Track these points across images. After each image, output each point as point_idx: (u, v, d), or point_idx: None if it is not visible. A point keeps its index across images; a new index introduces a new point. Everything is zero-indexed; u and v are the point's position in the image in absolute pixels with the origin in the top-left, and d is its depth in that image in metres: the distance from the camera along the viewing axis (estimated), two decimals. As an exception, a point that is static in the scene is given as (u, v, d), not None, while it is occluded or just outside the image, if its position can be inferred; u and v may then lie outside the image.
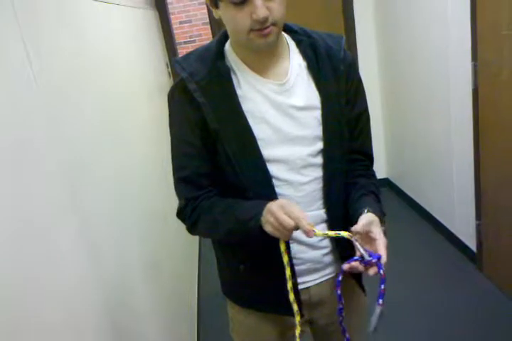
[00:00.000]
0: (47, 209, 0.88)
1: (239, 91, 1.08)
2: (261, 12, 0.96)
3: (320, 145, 1.13)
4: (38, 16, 1.04)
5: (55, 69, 1.07)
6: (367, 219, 1.00)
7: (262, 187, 1.10)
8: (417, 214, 3.56)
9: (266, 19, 0.97)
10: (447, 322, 2.38)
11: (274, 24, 1.00)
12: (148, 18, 3.23)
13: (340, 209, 1.17)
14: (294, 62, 1.13)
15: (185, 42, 6.47)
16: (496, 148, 2.39)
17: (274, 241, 1.06)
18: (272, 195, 1.10)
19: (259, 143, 1.08)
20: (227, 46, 1.12)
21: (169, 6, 4.88)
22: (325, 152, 1.13)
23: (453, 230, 3.05)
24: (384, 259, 0.98)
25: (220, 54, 1.10)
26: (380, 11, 3.63)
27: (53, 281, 0.85)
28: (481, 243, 2.70)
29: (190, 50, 1.15)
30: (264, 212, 0.99)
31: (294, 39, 1.16)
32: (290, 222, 0.95)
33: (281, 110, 1.10)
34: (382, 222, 1.04)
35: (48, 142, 0.94)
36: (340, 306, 1.09)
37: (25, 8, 0.95)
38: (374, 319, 0.97)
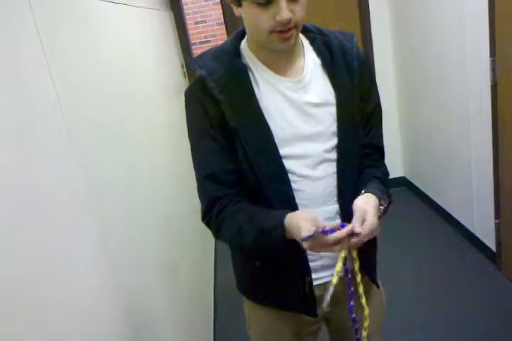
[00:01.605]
0: (64, 215, 0.89)
1: (256, 89, 1.10)
2: (285, 14, 0.97)
3: (335, 141, 1.14)
4: (56, 18, 1.06)
5: (72, 71, 1.08)
6: (359, 209, 1.02)
7: (279, 183, 1.11)
8: (434, 212, 3.53)
9: (289, 21, 0.98)
10: (467, 323, 2.35)
11: (295, 27, 1.02)
12: (164, 19, 3.25)
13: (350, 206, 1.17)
14: (309, 60, 1.14)
15: (200, 43, 6.49)
16: (515, 145, 2.36)
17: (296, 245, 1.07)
18: (289, 192, 1.11)
19: (276, 140, 1.09)
20: (243, 45, 1.13)
21: (184, 7, 4.90)
22: (339, 148, 1.14)
23: (471, 229, 3.01)
24: (358, 230, 0.99)
25: (237, 52, 1.11)
26: (395, 8, 3.60)
27: (71, 287, 0.86)
28: (500, 242, 2.67)
29: (205, 50, 1.15)
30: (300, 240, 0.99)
31: (307, 37, 1.17)
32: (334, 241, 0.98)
33: (298, 107, 1.11)
34: (384, 200, 1.07)
35: (67, 144, 0.95)
36: (352, 303, 1.10)
37: (43, 14, 0.97)
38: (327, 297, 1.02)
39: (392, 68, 3.85)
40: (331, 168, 1.15)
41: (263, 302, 1.28)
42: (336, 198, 1.16)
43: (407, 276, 2.80)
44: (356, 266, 1.07)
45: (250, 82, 1.09)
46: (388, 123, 4.08)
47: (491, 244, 2.77)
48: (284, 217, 1.02)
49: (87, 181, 1.02)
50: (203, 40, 6.53)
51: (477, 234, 2.95)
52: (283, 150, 1.10)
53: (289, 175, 1.11)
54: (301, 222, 0.98)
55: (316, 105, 1.12)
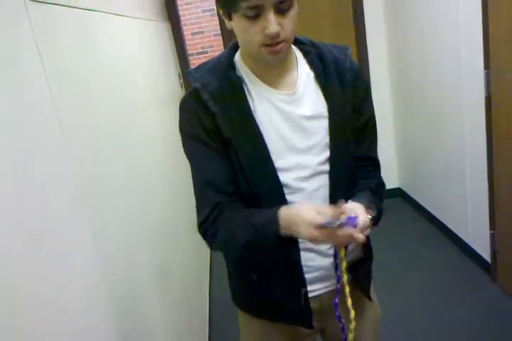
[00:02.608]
0: (57, 220, 0.89)
1: (250, 101, 1.10)
2: (273, 27, 0.98)
3: (327, 153, 1.15)
4: (54, 29, 1.06)
5: (70, 81, 1.09)
6: (348, 209, 0.99)
7: (273, 195, 1.11)
8: (429, 223, 3.53)
9: (277, 35, 0.99)
10: (460, 334, 2.34)
11: (284, 41, 1.02)
12: (161, 30, 3.27)
13: None
14: (302, 72, 1.15)
15: (197, 54, 6.53)
16: (510, 156, 2.37)
17: (289, 250, 1.08)
18: (283, 203, 1.10)
19: (270, 152, 1.09)
20: (237, 57, 1.14)
21: (181, 18, 4.94)
22: (331, 160, 1.15)
23: (466, 240, 3.01)
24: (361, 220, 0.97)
25: (231, 65, 1.12)
26: (391, 21, 3.64)
27: (64, 292, 0.85)
28: (495, 253, 2.67)
29: (202, 60, 1.17)
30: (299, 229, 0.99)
31: (301, 50, 1.18)
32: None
33: (291, 120, 1.11)
34: (371, 209, 1.05)
35: (61, 152, 0.95)
36: (338, 314, 1.11)
37: (43, 25, 0.98)
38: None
39: (387, 80, 3.88)
40: (324, 180, 1.15)
41: (258, 315, 1.27)
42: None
43: (401, 287, 2.80)
44: (344, 265, 1.07)
45: (244, 94, 1.10)
46: (384, 134, 4.08)
47: (486, 255, 2.78)
48: (278, 209, 1.02)
49: (84, 184, 1.03)
50: (200, 50, 6.57)
51: (472, 245, 2.95)
52: (277, 163, 1.10)
53: (284, 188, 1.11)
54: (303, 211, 0.98)
55: (309, 118, 1.12)
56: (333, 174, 1.15)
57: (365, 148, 1.24)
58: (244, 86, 1.11)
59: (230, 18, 1.03)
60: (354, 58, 3.82)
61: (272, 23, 0.97)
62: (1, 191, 0.69)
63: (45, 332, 0.75)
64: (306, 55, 1.17)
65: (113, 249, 1.18)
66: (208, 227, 1.12)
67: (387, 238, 3.05)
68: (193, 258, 2.67)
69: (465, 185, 2.88)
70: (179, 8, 4.62)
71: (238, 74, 1.12)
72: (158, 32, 3.11)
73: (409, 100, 3.59)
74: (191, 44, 6.45)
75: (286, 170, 1.11)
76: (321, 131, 1.13)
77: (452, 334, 2.36)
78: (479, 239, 2.83)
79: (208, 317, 2.71)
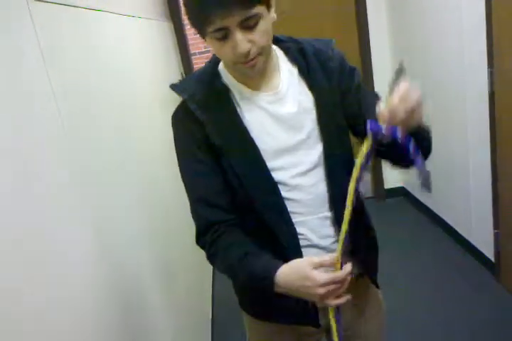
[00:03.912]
0: (58, 219, 0.89)
1: (237, 107, 1.11)
2: (241, 48, 0.97)
3: (320, 146, 1.14)
4: (56, 28, 1.06)
5: (72, 81, 1.09)
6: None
7: (270, 196, 1.11)
8: (433, 222, 3.52)
9: (248, 52, 0.99)
10: (464, 334, 2.34)
11: (259, 54, 1.02)
12: (164, 29, 3.27)
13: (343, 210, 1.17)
14: (284, 71, 1.15)
15: (199, 53, 6.53)
16: (513, 155, 2.36)
17: (293, 255, 1.09)
18: (281, 204, 1.11)
19: (263, 154, 1.10)
20: (221, 66, 1.15)
21: (184, 17, 4.93)
22: (325, 152, 1.14)
23: (470, 239, 3.00)
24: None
25: (216, 73, 1.14)
26: (394, 21, 3.63)
27: (65, 292, 0.85)
28: (499, 252, 2.66)
29: (205, 60, 1.18)
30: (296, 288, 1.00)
31: (281, 48, 1.17)
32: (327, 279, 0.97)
33: (279, 119, 1.12)
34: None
35: (63, 151, 0.95)
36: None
37: (44, 23, 0.98)
38: (422, 180, 0.99)
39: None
40: (320, 174, 1.15)
41: (266, 319, 1.27)
42: (328, 205, 1.16)
43: (405, 286, 2.79)
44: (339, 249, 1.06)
45: (231, 100, 1.11)
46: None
47: (490, 254, 2.77)
48: (275, 271, 1.01)
49: (84, 184, 1.02)
50: (203, 50, 6.56)
51: (476, 244, 2.94)
52: (271, 163, 1.10)
53: (280, 186, 1.12)
54: (304, 273, 0.98)
55: (296, 114, 1.12)
56: (328, 166, 1.14)
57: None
58: (229, 93, 1.12)
59: (203, 39, 1.03)
60: (357, 59, 3.85)
61: (240, 42, 0.97)
62: (1, 190, 0.69)
63: (46, 332, 0.74)
64: (286, 52, 1.17)
65: (114, 249, 1.18)
66: (205, 246, 1.12)
67: (390, 237, 3.04)
68: (195, 256, 2.67)
69: (469, 184, 2.87)
70: (182, 7, 4.61)
71: (223, 81, 1.13)
72: (161, 31, 3.11)
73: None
74: (194, 43, 6.44)
75: (281, 169, 1.12)
76: (309, 124, 1.13)
77: (456, 334, 2.35)
78: (483, 238, 2.82)
79: (210, 316, 2.71)
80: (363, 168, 0.99)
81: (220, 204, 1.11)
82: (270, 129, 1.11)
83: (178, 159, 1.16)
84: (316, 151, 1.14)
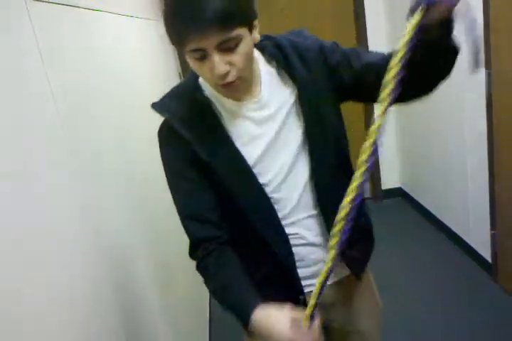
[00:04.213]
0: (58, 219, 0.89)
1: (222, 119, 1.10)
2: (219, 70, 0.95)
3: (301, 132, 1.13)
4: (55, 28, 1.06)
5: (71, 81, 1.09)
6: None
7: (262, 209, 1.11)
8: (430, 223, 3.53)
9: (227, 74, 0.96)
10: (461, 334, 2.34)
11: (238, 78, 0.99)
12: (162, 29, 3.26)
13: (333, 206, 1.17)
14: (264, 75, 1.12)
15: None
16: (511, 156, 2.37)
17: (284, 261, 1.12)
18: (268, 205, 1.11)
19: (250, 162, 1.09)
20: (201, 79, 1.11)
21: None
22: (308, 136, 1.12)
23: (467, 240, 3.01)
24: None
25: (196, 87, 1.11)
26: (392, 21, 3.63)
27: (65, 292, 0.85)
28: (496, 253, 2.67)
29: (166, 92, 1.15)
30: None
31: (257, 48, 1.13)
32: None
33: (265, 124, 1.10)
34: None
35: (62, 151, 0.95)
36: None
37: (44, 23, 0.98)
38: (474, 54, 0.92)
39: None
40: (307, 164, 1.14)
41: None
42: (313, 202, 1.16)
43: (402, 287, 2.80)
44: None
45: (214, 113, 1.09)
46: (385, 134, 4.09)
47: (487, 255, 2.77)
48: (251, 312, 1.02)
49: (84, 184, 1.02)
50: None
51: (473, 245, 2.95)
52: (257, 169, 1.10)
53: (267, 188, 1.11)
54: (277, 328, 0.99)
55: (278, 110, 1.11)
56: (312, 154, 1.13)
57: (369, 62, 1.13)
58: (212, 105, 1.10)
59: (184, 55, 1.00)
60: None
61: (217, 64, 0.94)
62: (1, 190, 0.69)
63: (45, 332, 0.74)
64: (263, 51, 1.13)
65: (114, 248, 1.18)
66: (197, 260, 1.14)
67: (388, 238, 3.05)
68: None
69: (466, 185, 2.88)
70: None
71: (205, 94, 1.10)
72: (159, 31, 3.11)
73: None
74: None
75: (267, 173, 1.12)
76: (295, 119, 1.12)
77: (453, 334, 2.35)
78: (480, 239, 2.83)
79: (208, 315, 2.71)
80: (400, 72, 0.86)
81: (210, 221, 1.11)
82: (257, 136, 1.10)
83: (166, 177, 1.15)
84: (301, 146, 1.12)
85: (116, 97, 1.52)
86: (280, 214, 1.14)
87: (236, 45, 0.94)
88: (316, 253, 1.19)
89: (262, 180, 1.11)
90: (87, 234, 1.00)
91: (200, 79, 1.12)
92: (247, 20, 0.95)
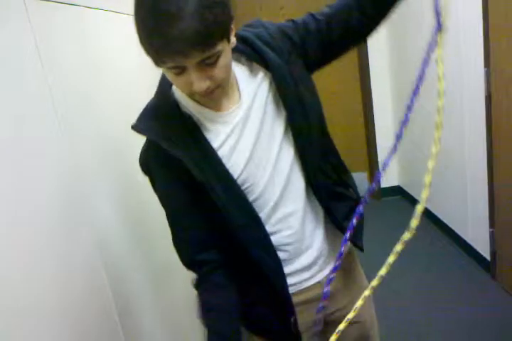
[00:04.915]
0: (59, 218, 0.89)
1: (206, 133, 1.05)
2: (199, 87, 0.91)
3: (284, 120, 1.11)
4: (52, 25, 1.06)
5: (69, 78, 1.08)
6: None
7: (252, 227, 1.09)
8: (429, 221, 3.53)
9: (207, 88, 0.92)
10: (461, 333, 2.35)
11: (218, 86, 0.95)
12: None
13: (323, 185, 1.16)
14: (239, 77, 1.08)
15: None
16: (510, 154, 2.37)
17: (275, 280, 1.11)
18: (257, 220, 1.09)
19: (242, 169, 1.06)
20: (175, 90, 1.07)
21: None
22: (290, 121, 1.09)
23: (466, 238, 3.02)
24: None
25: (172, 102, 1.05)
26: (391, 19, 3.63)
27: (66, 292, 0.85)
28: (495, 251, 2.67)
29: (141, 112, 1.08)
30: None
31: None
32: None
33: (252, 127, 1.08)
34: None
35: (61, 150, 0.95)
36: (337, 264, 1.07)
37: (42, 24, 0.97)
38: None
39: (388, 79, 3.88)
40: (291, 149, 1.12)
41: (256, 333, 1.27)
42: (305, 194, 1.15)
43: (402, 285, 2.80)
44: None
45: (198, 128, 1.04)
46: (384, 132, 4.10)
47: (486, 253, 2.78)
48: None
49: (84, 184, 1.02)
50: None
51: (472, 243, 2.95)
52: (241, 179, 1.07)
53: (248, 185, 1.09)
54: None
55: (266, 111, 1.08)
56: (296, 139, 1.11)
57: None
58: (194, 120, 1.04)
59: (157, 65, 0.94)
60: (354, 58, 3.85)
61: (197, 82, 0.90)
62: (1, 190, 0.69)
63: (50, 335, 0.75)
64: (232, 50, 1.07)
65: (114, 249, 1.18)
66: (193, 276, 1.12)
67: (386, 236, 3.05)
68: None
69: (465, 183, 2.88)
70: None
71: (183, 110, 1.05)
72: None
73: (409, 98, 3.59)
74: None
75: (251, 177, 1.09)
76: (277, 109, 1.10)
77: (453, 333, 2.36)
78: (479, 237, 2.83)
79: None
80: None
81: (205, 242, 1.08)
82: (244, 141, 1.07)
83: (160, 200, 1.10)
84: (285, 134, 1.11)
85: (116, 97, 1.51)
86: (263, 215, 1.11)
87: (216, 60, 0.90)
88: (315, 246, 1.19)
89: (246, 184, 1.08)
90: (87, 234, 1.00)
91: (176, 95, 1.07)
92: (227, 32, 0.90)
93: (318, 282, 1.22)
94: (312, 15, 1.14)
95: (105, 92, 1.39)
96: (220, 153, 1.04)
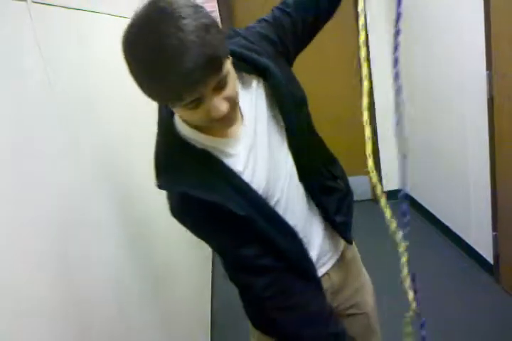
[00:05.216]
0: (58, 218, 0.89)
1: (227, 160, 1.02)
2: (221, 110, 0.89)
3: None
4: (57, 32, 1.07)
5: (71, 82, 1.09)
6: None
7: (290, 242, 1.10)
8: (431, 224, 3.52)
9: (227, 112, 0.90)
10: (463, 336, 2.34)
11: (233, 106, 0.94)
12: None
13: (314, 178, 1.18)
14: (241, 96, 1.03)
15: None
16: None
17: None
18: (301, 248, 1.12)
19: (265, 185, 1.07)
20: (181, 128, 1.02)
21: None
22: (286, 123, 1.10)
23: (469, 241, 3.01)
24: None
25: (185, 145, 1.01)
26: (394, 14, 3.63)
27: (65, 292, 0.85)
28: (498, 254, 2.66)
29: (156, 163, 1.03)
30: None
31: None
32: None
33: (263, 139, 1.08)
34: None
35: (63, 151, 0.95)
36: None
37: (43, 25, 0.98)
38: None
39: (390, 83, 3.87)
40: (286, 150, 1.13)
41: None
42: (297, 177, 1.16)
43: (404, 288, 2.79)
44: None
45: (218, 161, 1.01)
46: (386, 136, 4.09)
47: (489, 257, 2.77)
48: None
49: (85, 183, 1.03)
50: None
51: (474, 247, 2.94)
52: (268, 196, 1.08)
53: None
54: None
55: (268, 119, 1.09)
56: (290, 134, 1.11)
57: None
58: (212, 153, 1.01)
59: (171, 107, 0.93)
60: (355, 59, 3.84)
61: (218, 106, 0.88)
62: (1, 191, 0.69)
63: (51, 337, 0.75)
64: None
65: (115, 250, 1.18)
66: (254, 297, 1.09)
67: (389, 239, 3.03)
68: (195, 259, 2.67)
69: (468, 186, 2.87)
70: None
71: (198, 146, 1.00)
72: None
73: (412, 103, 3.59)
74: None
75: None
76: (270, 111, 1.10)
77: (455, 336, 2.35)
78: (482, 240, 2.82)
79: (209, 320, 2.71)
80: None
81: (266, 265, 1.06)
82: (260, 157, 1.07)
83: (209, 244, 1.08)
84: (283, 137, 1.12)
85: (117, 98, 1.52)
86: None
87: (227, 80, 0.88)
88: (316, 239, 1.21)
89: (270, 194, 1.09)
90: (87, 232, 1.00)
91: (184, 133, 1.02)
92: (226, 49, 0.89)
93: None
94: (279, 8, 1.14)
95: (107, 93, 1.40)
96: (245, 178, 1.03)
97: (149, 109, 2.20)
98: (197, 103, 0.86)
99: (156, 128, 1.05)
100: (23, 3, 0.90)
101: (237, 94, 0.94)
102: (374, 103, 3.89)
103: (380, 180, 4.01)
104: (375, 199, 4.07)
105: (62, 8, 1.13)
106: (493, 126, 2.45)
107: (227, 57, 0.88)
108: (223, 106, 0.88)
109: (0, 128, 0.72)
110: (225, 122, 0.95)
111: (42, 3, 0.99)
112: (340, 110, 3.84)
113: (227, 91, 0.89)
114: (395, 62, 0.95)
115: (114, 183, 1.30)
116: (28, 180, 0.79)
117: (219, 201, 0.96)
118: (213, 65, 0.82)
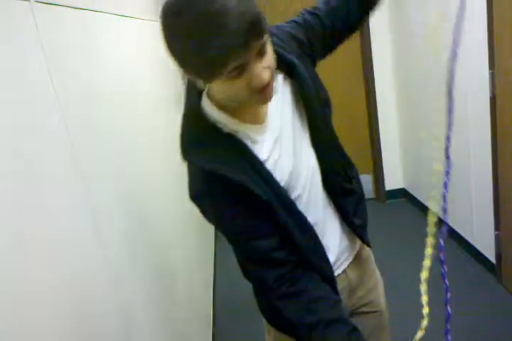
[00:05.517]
0: (59, 218, 0.89)
1: (253, 146, 1.03)
2: (264, 77, 0.88)
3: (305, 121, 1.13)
4: (60, 32, 1.07)
5: (74, 81, 1.09)
6: None
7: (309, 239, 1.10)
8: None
9: (268, 81, 0.90)
10: (466, 335, 2.33)
11: (272, 76, 0.93)
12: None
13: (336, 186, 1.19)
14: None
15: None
16: (514, 157, 2.36)
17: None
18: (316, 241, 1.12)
19: (289, 177, 1.07)
20: (208, 110, 1.02)
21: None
22: (310, 121, 1.11)
23: (471, 240, 3.00)
24: None
25: (213, 126, 1.01)
26: (395, 20, 3.63)
27: (65, 291, 0.86)
28: (500, 254, 2.66)
29: (183, 141, 1.04)
30: None
31: None
32: None
33: (288, 133, 1.08)
34: None
35: (65, 152, 0.96)
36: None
37: (50, 31, 0.98)
38: None
39: (391, 81, 3.87)
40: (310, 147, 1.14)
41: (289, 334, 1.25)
42: (318, 174, 1.16)
43: (407, 288, 2.79)
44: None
45: (245, 145, 1.01)
46: (388, 135, 4.09)
47: (491, 256, 2.77)
48: None
49: (85, 183, 1.03)
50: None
51: (477, 246, 2.94)
52: (293, 183, 1.08)
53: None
54: None
55: (293, 115, 1.10)
56: (313, 133, 1.12)
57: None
58: (240, 137, 1.01)
59: (209, 82, 0.91)
60: (359, 62, 3.85)
61: (262, 72, 0.88)
62: (1, 190, 0.69)
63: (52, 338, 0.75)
64: None
65: (115, 248, 1.18)
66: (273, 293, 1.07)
67: (392, 238, 3.04)
68: (197, 255, 2.67)
69: (470, 185, 2.87)
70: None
71: (226, 130, 1.01)
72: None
73: (414, 100, 3.59)
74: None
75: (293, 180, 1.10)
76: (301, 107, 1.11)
77: (457, 335, 2.34)
78: (484, 239, 2.82)
79: (212, 314, 2.71)
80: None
81: (285, 258, 1.06)
82: (285, 146, 1.08)
83: (223, 228, 1.07)
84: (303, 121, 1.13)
85: (120, 99, 1.52)
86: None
87: (267, 49, 0.89)
88: (333, 238, 1.21)
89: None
90: (87, 233, 1.00)
91: (208, 111, 1.02)
92: (266, 21, 0.88)
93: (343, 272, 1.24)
94: (310, 12, 1.17)
95: (110, 94, 1.40)
96: (268, 166, 1.03)
97: (158, 106, 2.22)
98: (239, 71, 0.86)
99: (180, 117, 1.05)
100: (26, 2, 0.90)
101: (274, 66, 0.94)
102: (376, 103, 3.89)
103: (382, 180, 4.02)
104: (377, 199, 4.08)
105: (67, 8, 1.13)
106: (496, 124, 2.45)
107: (267, 27, 0.88)
108: (266, 74, 0.88)
109: (0, 128, 0.73)
110: (266, 93, 0.93)
111: (45, 3, 0.99)
112: (342, 110, 3.85)
113: (268, 60, 0.89)
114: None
115: (117, 181, 1.30)
116: (28, 180, 0.79)
117: (245, 182, 0.96)
118: (256, 29, 0.82)
